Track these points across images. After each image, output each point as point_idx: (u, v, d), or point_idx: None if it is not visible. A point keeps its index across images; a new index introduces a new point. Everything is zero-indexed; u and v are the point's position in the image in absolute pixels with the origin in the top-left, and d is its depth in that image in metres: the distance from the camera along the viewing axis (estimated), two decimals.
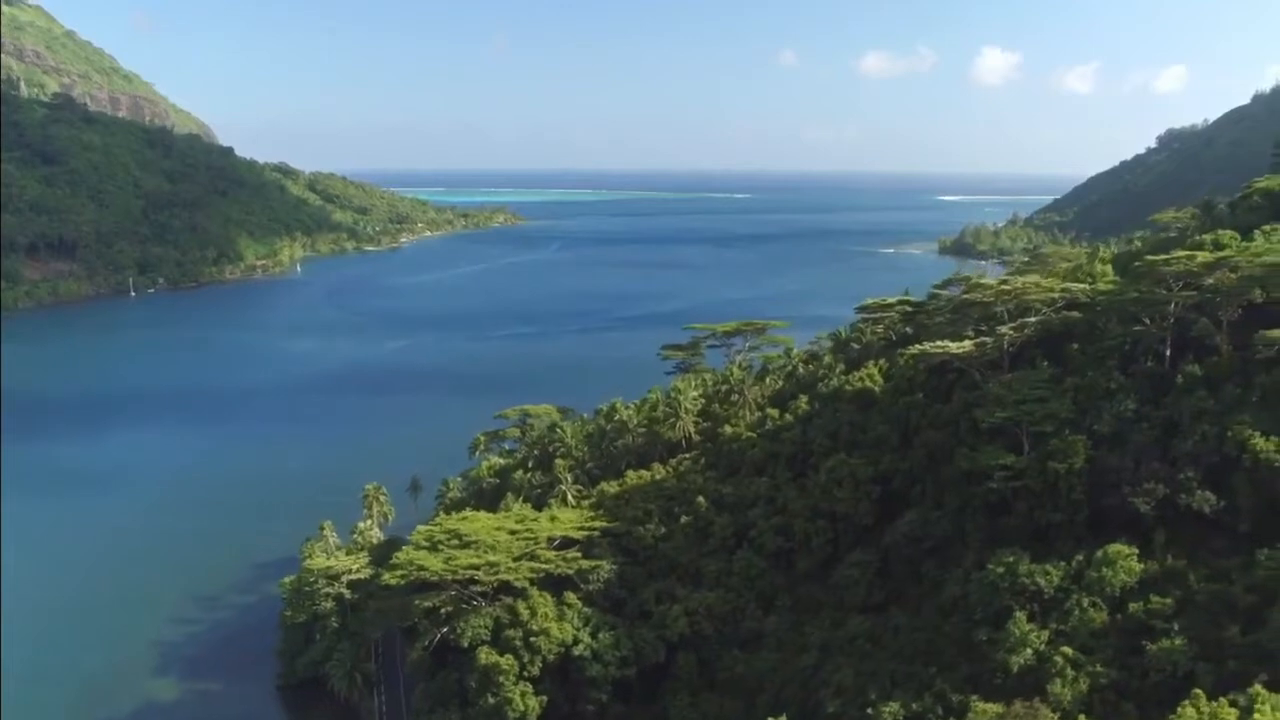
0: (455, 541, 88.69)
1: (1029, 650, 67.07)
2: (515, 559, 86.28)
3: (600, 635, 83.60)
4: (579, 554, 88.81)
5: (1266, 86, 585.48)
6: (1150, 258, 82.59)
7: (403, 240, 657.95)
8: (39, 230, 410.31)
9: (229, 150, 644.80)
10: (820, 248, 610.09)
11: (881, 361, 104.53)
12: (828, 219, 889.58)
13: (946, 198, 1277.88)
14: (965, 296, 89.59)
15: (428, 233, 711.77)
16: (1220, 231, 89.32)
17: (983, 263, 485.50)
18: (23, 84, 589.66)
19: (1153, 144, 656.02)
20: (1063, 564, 71.26)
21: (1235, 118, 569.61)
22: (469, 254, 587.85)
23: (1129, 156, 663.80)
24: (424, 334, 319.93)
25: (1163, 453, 74.27)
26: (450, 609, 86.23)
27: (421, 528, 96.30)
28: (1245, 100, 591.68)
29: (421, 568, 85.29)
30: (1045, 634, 68.03)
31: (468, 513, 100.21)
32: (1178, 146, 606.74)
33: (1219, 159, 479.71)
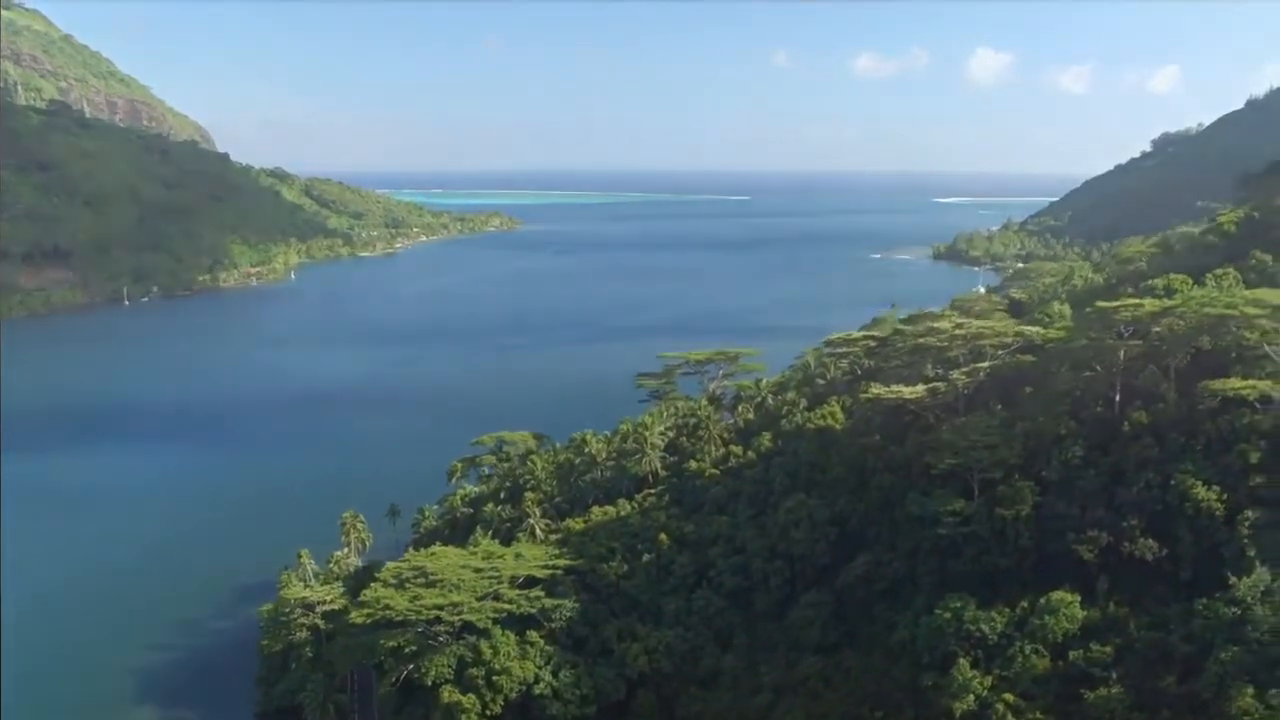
0: (421, 580, 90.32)
1: (972, 696, 68.78)
2: (479, 598, 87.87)
3: (561, 674, 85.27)
4: (542, 592, 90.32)
5: (1260, 91, 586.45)
6: (1101, 304, 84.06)
7: (398, 246, 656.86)
8: (34, 238, 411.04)
9: (225, 156, 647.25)
10: (815, 253, 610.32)
11: (844, 397, 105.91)
12: (823, 222, 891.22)
13: (943, 200, 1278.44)
14: (920, 340, 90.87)
15: (423, 237, 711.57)
16: (1172, 275, 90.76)
17: (976, 269, 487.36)
18: (19, 89, 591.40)
19: (1148, 148, 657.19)
20: (1007, 610, 72.87)
21: (1228, 122, 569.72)
22: (463, 260, 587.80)
23: (1125, 159, 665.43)
24: (413, 347, 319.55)
25: (1108, 500, 75.70)
26: (415, 647, 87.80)
27: (390, 564, 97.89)
28: (1240, 101, 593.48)
29: (388, 607, 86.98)
30: (989, 680, 69.72)
31: (436, 548, 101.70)
32: (1172, 150, 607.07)
33: (1212, 164, 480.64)
